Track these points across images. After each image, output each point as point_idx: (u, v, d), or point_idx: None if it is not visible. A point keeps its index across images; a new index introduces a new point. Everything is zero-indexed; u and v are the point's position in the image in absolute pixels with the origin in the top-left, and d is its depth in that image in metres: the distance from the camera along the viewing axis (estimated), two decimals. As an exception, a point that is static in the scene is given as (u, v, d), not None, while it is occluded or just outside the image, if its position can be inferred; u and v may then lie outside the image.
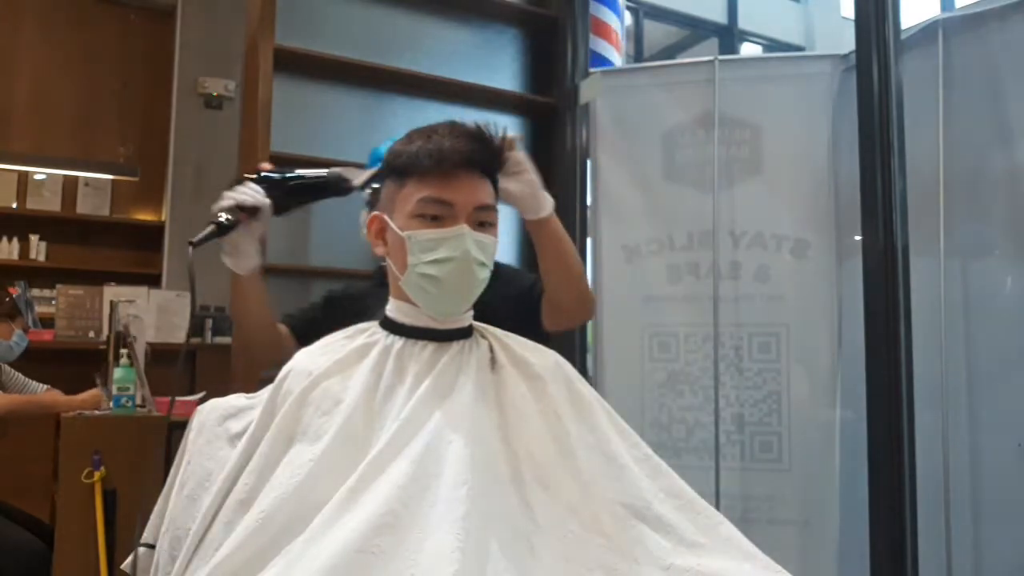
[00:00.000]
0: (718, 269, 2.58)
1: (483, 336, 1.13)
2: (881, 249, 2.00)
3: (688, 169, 2.66)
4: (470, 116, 1.10)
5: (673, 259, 2.66)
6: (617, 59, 3.57)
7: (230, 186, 1.36)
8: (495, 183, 1.10)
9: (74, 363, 3.04)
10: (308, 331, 1.42)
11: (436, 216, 1.03)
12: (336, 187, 1.42)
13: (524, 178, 1.34)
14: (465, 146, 1.04)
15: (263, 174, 1.38)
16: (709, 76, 2.63)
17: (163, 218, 4.79)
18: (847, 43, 2.27)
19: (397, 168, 1.07)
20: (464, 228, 1.03)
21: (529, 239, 1.45)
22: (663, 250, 2.67)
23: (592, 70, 3.02)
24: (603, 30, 3.36)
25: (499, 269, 1.48)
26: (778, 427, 2.51)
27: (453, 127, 1.06)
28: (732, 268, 2.59)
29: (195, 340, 3.82)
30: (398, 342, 1.07)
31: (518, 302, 1.52)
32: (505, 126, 1.08)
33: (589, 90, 2.88)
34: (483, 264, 1.05)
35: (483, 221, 1.06)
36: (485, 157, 1.06)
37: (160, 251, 4.71)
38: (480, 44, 3.10)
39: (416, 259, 1.04)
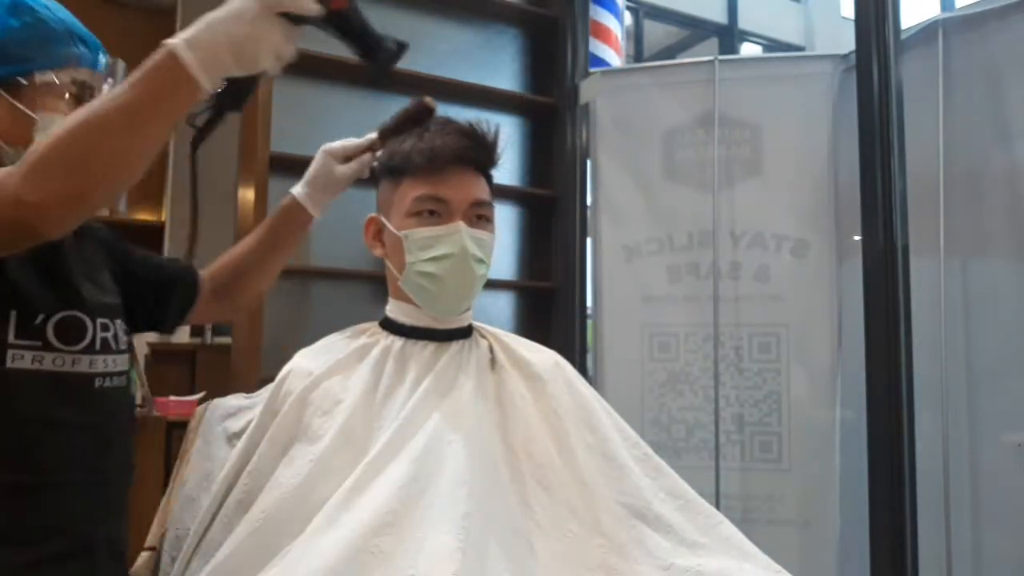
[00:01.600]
0: (718, 269, 2.58)
1: (483, 336, 1.13)
2: (881, 249, 2.00)
3: (688, 169, 2.66)
4: (469, 116, 1.10)
5: (673, 259, 2.66)
6: (616, 61, 3.56)
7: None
8: (490, 180, 1.11)
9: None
10: None
11: (432, 212, 1.04)
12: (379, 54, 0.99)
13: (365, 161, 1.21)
14: (457, 142, 1.05)
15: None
16: (709, 76, 2.63)
17: (163, 218, 4.79)
18: (847, 43, 2.27)
19: (392, 168, 1.08)
20: (460, 225, 1.03)
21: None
22: (663, 250, 2.67)
23: (592, 70, 3.02)
24: (602, 32, 3.36)
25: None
26: (778, 427, 2.51)
27: (445, 125, 1.07)
28: (732, 268, 2.59)
29: (195, 340, 3.82)
30: (398, 342, 1.07)
31: (164, 284, 1.22)
32: (497, 123, 1.09)
33: (589, 90, 2.88)
34: (481, 261, 1.05)
35: (480, 215, 1.06)
36: (478, 153, 1.07)
37: (160, 251, 4.71)
38: (480, 44, 3.10)
39: (414, 257, 1.04)
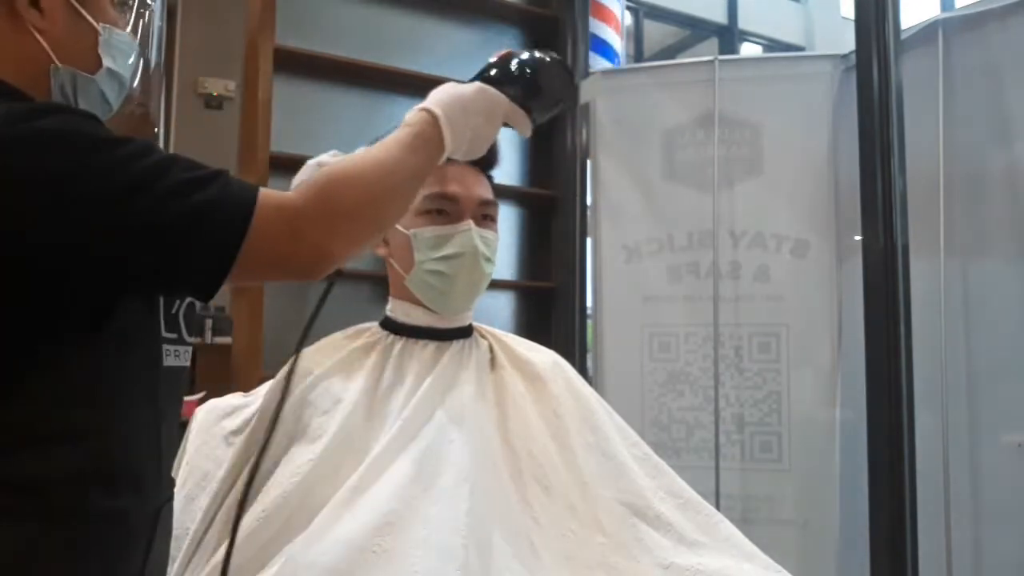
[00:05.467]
0: (718, 269, 2.58)
1: (482, 336, 1.14)
2: (881, 249, 2.00)
3: (688, 169, 2.65)
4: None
5: (673, 259, 2.66)
6: (618, 43, 3.54)
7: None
8: (491, 180, 1.12)
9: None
10: None
11: (441, 211, 1.04)
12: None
13: None
14: None
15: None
16: (709, 76, 2.63)
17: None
18: (847, 43, 2.27)
19: None
20: (471, 224, 1.04)
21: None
22: (663, 250, 2.67)
23: (592, 70, 3.02)
24: (604, 16, 3.34)
25: None
26: (778, 427, 2.51)
27: None
28: (732, 268, 2.59)
29: (195, 340, 3.82)
30: (398, 342, 1.08)
31: None
32: None
33: (589, 90, 2.88)
34: (489, 259, 1.07)
35: (486, 215, 1.08)
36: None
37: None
38: (480, 44, 3.10)
39: (423, 256, 1.04)
